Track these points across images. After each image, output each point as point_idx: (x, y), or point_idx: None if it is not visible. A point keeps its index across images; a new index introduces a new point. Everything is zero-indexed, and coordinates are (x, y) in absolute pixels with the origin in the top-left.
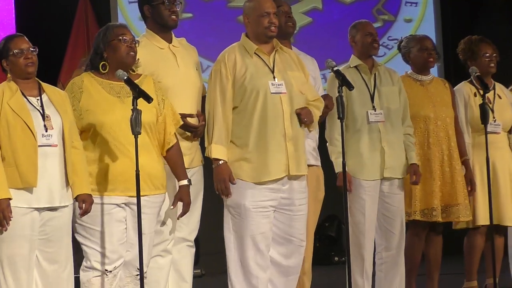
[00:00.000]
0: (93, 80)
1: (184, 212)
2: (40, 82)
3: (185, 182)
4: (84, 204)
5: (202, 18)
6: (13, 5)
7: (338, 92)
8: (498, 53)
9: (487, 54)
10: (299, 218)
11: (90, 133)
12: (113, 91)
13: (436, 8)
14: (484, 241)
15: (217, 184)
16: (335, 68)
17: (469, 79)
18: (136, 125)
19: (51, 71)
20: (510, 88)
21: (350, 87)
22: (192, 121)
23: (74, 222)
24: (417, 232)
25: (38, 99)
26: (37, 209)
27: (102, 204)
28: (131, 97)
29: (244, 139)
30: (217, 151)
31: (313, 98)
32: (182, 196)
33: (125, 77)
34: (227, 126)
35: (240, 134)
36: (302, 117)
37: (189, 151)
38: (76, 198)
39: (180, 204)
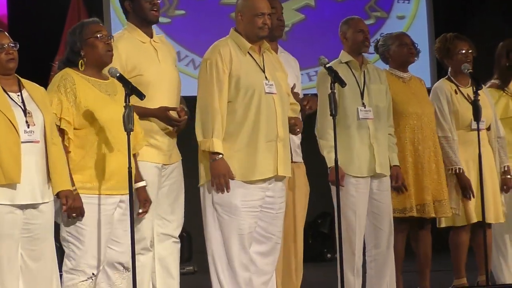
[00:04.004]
0: (80, 77)
1: (145, 211)
2: (20, 78)
3: (143, 183)
4: (67, 200)
5: (195, 15)
6: (6, 3)
7: (331, 88)
8: (475, 49)
9: (463, 51)
10: (279, 216)
11: (88, 131)
12: (103, 89)
13: (428, 5)
14: (469, 238)
15: (216, 178)
16: (328, 65)
17: (447, 76)
18: (128, 121)
19: (44, 68)
20: (487, 86)
21: (342, 83)
22: (174, 115)
23: (62, 221)
24: (401, 228)
25: (18, 95)
26: (20, 206)
27: (99, 205)
28: (118, 95)
29: (235, 137)
30: (218, 145)
31: (292, 101)
32: (144, 197)
33: (118, 74)
34: (223, 120)
35: (231, 130)
36: (296, 127)
37: (168, 147)
38: (57, 195)
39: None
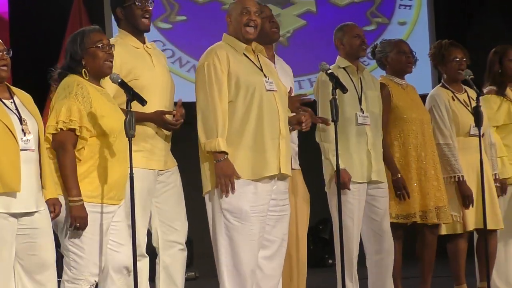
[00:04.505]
0: (89, 85)
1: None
2: (8, 84)
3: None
4: (55, 208)
5: (196, 20)
6: (7, 6)
7: (332, 94)
8: (469, 57)
9: (457, 59)
10: (282, 219)
11: (96, 140)
12: (108, 99)
13: (429, 11)
14: (467, 245)
15: (222, 179)
16: (329, 71)
17: (441, 84)
18: (130, 127)
19: (44, 68)
20: (485, 92)
21: (344, 90)
22: (170, 118)
23: (65, 230)
24: (398, 235)
25: (11, 102)
26: (14, 214)
27: (102, 213)
28: (115, 104)
29: (239, 136)
30: (224, 144)
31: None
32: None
33: (119, 80)
34: (225, 120)
35: (234, 130)
36: (304, 124)
37: (161, 152)
38: (46, 202)
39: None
